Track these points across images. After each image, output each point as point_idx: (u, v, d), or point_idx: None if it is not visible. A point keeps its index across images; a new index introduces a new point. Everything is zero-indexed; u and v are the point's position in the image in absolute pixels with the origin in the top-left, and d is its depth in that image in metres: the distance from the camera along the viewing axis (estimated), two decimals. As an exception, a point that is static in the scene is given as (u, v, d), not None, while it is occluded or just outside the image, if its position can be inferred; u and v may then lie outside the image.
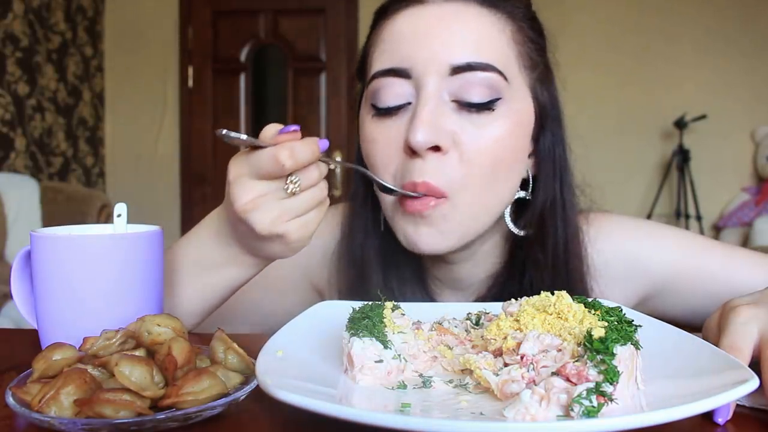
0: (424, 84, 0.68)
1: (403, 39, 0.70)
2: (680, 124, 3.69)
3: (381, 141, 0.71)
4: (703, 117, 3.67)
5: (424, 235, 0.70)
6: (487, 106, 0.68)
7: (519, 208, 0.76)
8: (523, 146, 0.73)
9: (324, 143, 0.60)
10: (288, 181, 0.58)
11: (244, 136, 0.56)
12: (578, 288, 0.76)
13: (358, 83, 0.82)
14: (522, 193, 0.75)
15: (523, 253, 0.76)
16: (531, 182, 0.76)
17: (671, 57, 3.84)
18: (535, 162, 0.76)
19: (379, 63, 0.72)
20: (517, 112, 0.71)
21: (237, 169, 0.59)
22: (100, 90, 4.28)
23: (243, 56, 4.12)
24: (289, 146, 0.56)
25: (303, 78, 4.09)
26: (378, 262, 0.79)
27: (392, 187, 0.69)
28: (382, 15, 0.75)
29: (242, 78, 4.13)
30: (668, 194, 3.88)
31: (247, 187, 0.58)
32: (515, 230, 0.75)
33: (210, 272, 0.68)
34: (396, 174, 0.71)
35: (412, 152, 0.68)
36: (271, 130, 0.58)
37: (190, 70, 4.16)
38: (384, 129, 0.71)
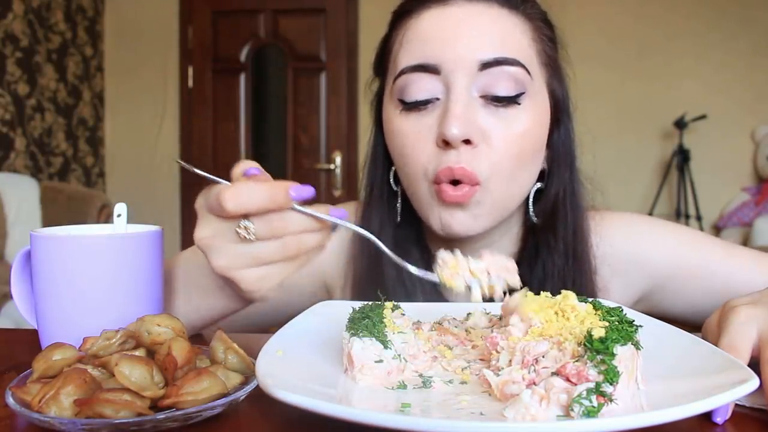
0: (454, 80, 0.71)
1: (431, 37, 0.73)
2: (680, 124, 3.69)
3: (412, 134, 0.74)
4: (703, 117, 3.66)
5: (459, 218, 0.73)
6: (513, 100, 0.72)
7: (534, 197, 0.80)
8: (543, 139, 0.77)
9: (302, 192, 0.52)
10: (240, 225, 0.52)
11: (198, 170, 0.54)
12: (585, 277, 0.80)
13: (375, 79, 0.85)
14: (538, 184, 0.79)
15: (536, 239, 0.80)
16: (546, 173, 0.80)
17: (671, 57, 3.84)
18: (549, 153, 0.80)
19: (406, 59, 0.74)
20: (538, 107, 0.74)
21: (199, 200, 0.56)
22: (100, 90, 4.28)
23: (243, 56, 4.12)
24: (235, 186, 0.51)
25: (303, 78, 4.09)
26: (391, 252, 0.80)
27: (398, 260, 0.60)
28: (403, 15, 0.77)
29: (242, 78, 4.13)
30: (668, 194, 3.88)
31: (205, 222, 0.55)
32: (534, 218, 0.79)
33: (202, 296, 0.68)
34: (428, 164, 0.73)
35: (445, 144, 0.71)
36: (241, 166, 0.54)
37: (190, 70, 4.16)
38: (414, 123, 0.73)
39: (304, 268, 0.57)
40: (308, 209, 0.53)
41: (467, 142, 0.70)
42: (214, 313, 0.69)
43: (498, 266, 0.54)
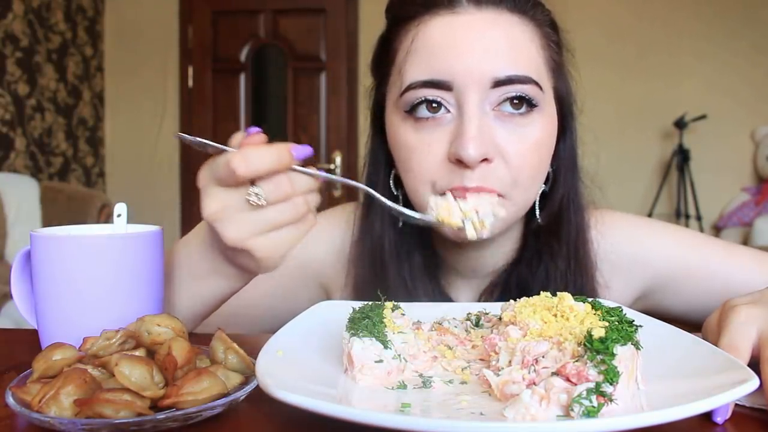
0: (467, 97, 0.69)
1: (440, 50, 0.70)
2: (680, 124, 3.69)
3: (421, 149, 0.71)
4: (703, 117, 3.67)
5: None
6: (525, 115, 0.70)
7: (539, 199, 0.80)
8: (553, 146, 0.76)
9: (302, 151, 0.55)
10: (250, 192, 0.54)
11: (200, 139, 0.54)
12: (587, 277, 0.79)
13: (373, 80, 0.83)
14: (544, 186, 0.79)
15: (539, 243, 0.79)
16: (551, 176, 0.79)
17: (671, 57, 3.84)
18: (554, 157, 0.79)
19: (414, 73, 0.71)
20: (549, 117, 0.74)
21: (204, 175, 0.57)
22: (100, 90, 4.28)
23: (243, 56, 4.12)
24: (243, 151, 0.53)
25: (303, 78, 4.09)
26: (393, 254, 0.80)
27: (403, 210, 0.62)
28: (408, 20, 0.74)
29: (242, 78, 4.13)
30: (668, 194, 3.88)
31: (213, 196, 0.56)
32: (540, 220, 0.78)
33: (198, 282, 0.67)
34: (438, 178, 0.71)
35: (459, 163, 0.69)
36: (238, 136, 0.56)
37: (190, 70, 4.16)
38: (422, 137, 0.71)
39: (294, 261, 0.59)
40: (307, 169, 0.56)
41: (484, 160, 0.68)
42: (213, 297, 0.69)
43: (484, 204, 0.59)
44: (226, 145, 0.56)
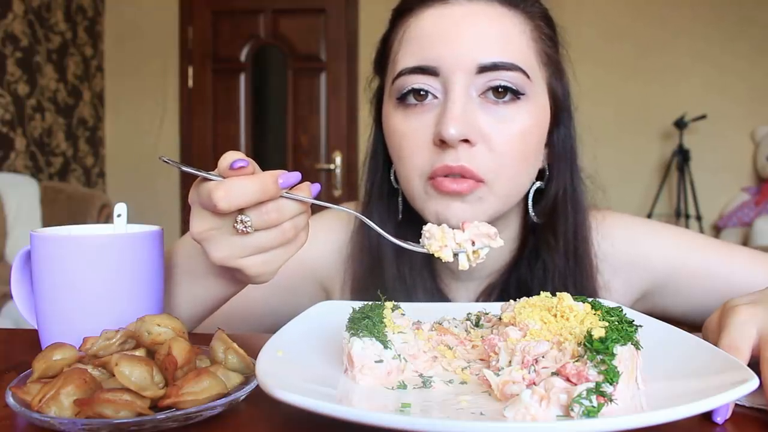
0: (453, 81, 0.71)
1: (430, 37, 0.73)
2: (680, 124, 3.70)
3: (409, 134, 0.73)
4: (703, 117, 3.67)
5: (457, 210, 0.72)
6: (511, 103, 0.72)
7: (534, 196, 0.80)
8: (542, 138, 0.77)
9: (289, 179, 0.54)
10: (237, 220, 0.54)
11: (184, 167, 0.54)
12: (586, 277, 0.80)
13: (375, 77, 0.85)
14: (538, 183, 0.79)
15: (537, 239, 0.80)
16: (546, 172, 0.80)
17: (671, 57, 3.84)
18: (549, 153, 0.80)
19: (405, 61, 0.74)
20: (538, 107, 0.74)
21: (192, 194, 0.57)
22: (100, 90, 4.28)
23: (243, 56, 4.12)
24: (226, 184, 0.52)
25: (303, 78, 4.09)
26: (392, 250, 0.81)
27: (397, 242, 0.60)
28: (404, 13, 0.77)
29: (242, 78, 4.13)
30: (668, 194, 3.88)
31: (199, 217, 0.56)
32: (534, 217, 0.79)
33: (197, 282, 0.67)
34: (425, 163, 0.72)
35: (442, 144, 0.70)
36: (227, 159, 0.54)
37: (190, 70, 4.16)
38: (412, 122, 0.73)
39: (294, 260, 0.60)
40: (297, 195, 0.55)
41: (466, 141, 0.70)
42: (212, 298, 0.68)
43: (480, 234, 0.58)
44: (216, 166, 0.55)
